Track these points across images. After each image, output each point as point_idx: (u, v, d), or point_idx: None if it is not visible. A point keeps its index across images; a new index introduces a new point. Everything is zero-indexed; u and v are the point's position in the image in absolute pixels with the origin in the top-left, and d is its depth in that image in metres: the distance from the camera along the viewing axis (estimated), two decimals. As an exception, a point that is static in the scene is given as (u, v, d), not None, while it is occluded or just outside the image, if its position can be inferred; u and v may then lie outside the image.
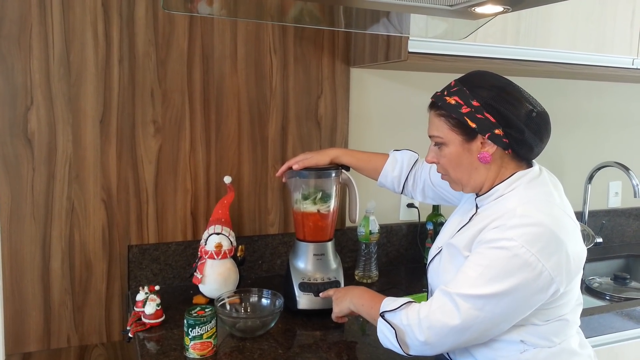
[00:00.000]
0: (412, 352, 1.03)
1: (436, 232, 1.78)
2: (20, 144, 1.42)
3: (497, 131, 1.01)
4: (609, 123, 2.20)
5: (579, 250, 1.00)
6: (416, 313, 1.01)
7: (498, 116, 1.01)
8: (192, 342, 1.15)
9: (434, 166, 1.26)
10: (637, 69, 1.71)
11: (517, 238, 0.94)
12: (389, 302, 1.08)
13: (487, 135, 1.02)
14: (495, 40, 1.49)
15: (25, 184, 1.43)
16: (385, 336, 1.06)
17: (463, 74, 1.08)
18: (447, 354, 1.13)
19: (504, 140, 1.01)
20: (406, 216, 1.88)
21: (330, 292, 1.31)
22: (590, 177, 2.07)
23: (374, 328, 1.10)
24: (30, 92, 1.41)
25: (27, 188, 1.43)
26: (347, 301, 1.21)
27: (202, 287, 1.43)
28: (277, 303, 1.33)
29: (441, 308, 0.98)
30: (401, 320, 1.03)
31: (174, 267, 1.59)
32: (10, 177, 1.42)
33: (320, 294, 1.34)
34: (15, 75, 1.39)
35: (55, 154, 1.45)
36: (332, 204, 1.44)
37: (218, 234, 1.42)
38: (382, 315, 1.07)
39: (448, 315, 0.97)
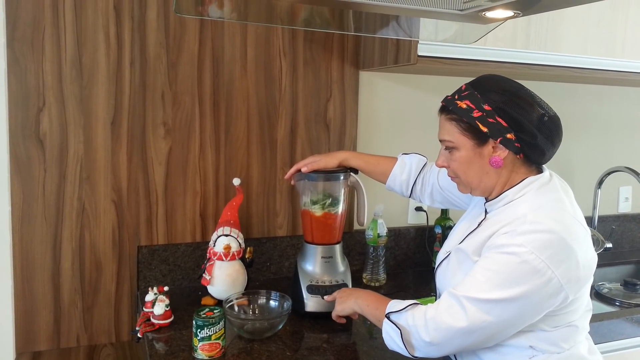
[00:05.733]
0: (418, 354, 1.03)
1: (444, 236, 1.77)
2: (32, 145, 1.43)
3: (509, 135, 1.01)
4: (619, 127, 2.19)
5: (590, 258, 1.00)
6: (422, 314, 1.01)
7: (510, 120, 1.00)
8: (201, 343, 1.16)
9: (443, 170, 1.26)
10: (648, 73, 1.70)
11: (526, 244, 0.94)
12: (395, 304, 1.08)
13: (498, 140, 1.01)
14: (505, 44, 1.48)
15: (36, 184, 1.45)
16: (391, 337, 1.06)
17: (473, 78, 1.08)
18: (454, 356, 1.13)
19: (516, 144, 1.01)
20: (414, 219, 1.88)
21: (334, 293, 1.31)
22: (600, 182, 2.05)
23: (381, 331, 1.10)
24: (43, 94, 1.42)
25: (38, 189, 1.45)
26: (351, 301, 1.20)
27: (210, 289, 1.43)
28: (285, 305, 1.33)
29: (448, 310, 0.98)
30: (407, 321, 1.03)
31: (183, 268, 1.60)
32: (22, 177, 1.43)
33: (325, 297, 1.34)
34: (28, 77, 1.41)
35: (67, 155, 1.46)
36: (341, 206, 1.44)
37: (227, 235, 1.43)
38: (387, 316, 1.07)
39: (455, 317, 0.97)
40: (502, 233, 0.99)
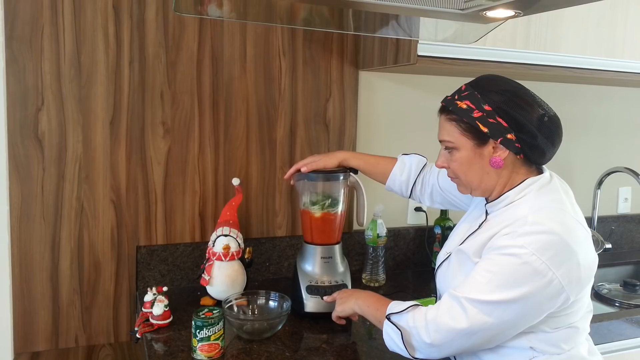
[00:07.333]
0: (418, 355, 1.03)
1: (444, 236, 1.77)
2: (31, 144, 1.43)
3: (509, 136, 1.01)
4: (619, 128, 2.19)
5: (590, 259, 0.99)
6: (423, 315, 1.01)
7: (510, 121, 1.00)
8: (200, 344, 1.15)
9: (443, 171, 1.26)
10: (647, 74, 1.70)
11: (527, 245, 0.93)
12: (396, 305, 1.08)
13: (499, 140, 1.01)
14: (505, 44, 1.48)
15: (35, 184, 1.44)
16: (391, 338, 1.05)
17: (473, 78, 1.08)
18: (454, 357, 1.12)
19: (516, 145, 1.01)
20: (414, 220, 1.87)
21: (334, 294, 1.31)
22: (600, 183, 2.05)
23: (381, 332, 1.10)
24: (41, 93, 1.42)
25: (37, 188, 1.44)
26: (351, 302, 1.20)
27: (209, 289, 1.43)
28: (284, 306, 1.32)
29: (449, 311, 0.98)
30: (407, 322, 1.03)
31: (182, 269, 1.59)
32: (21, 177, 1.43)
33: (325, 298, 1.34)
34: (27, 76, 1.40)
35: (65, 154, 1.46)
36: (340, 207, 1.44)
37: (226, 235, 1.42)
38: (388, 317, 1.06)
39: (455, 318, 0.97)
40: (503, 234, 0.99)
